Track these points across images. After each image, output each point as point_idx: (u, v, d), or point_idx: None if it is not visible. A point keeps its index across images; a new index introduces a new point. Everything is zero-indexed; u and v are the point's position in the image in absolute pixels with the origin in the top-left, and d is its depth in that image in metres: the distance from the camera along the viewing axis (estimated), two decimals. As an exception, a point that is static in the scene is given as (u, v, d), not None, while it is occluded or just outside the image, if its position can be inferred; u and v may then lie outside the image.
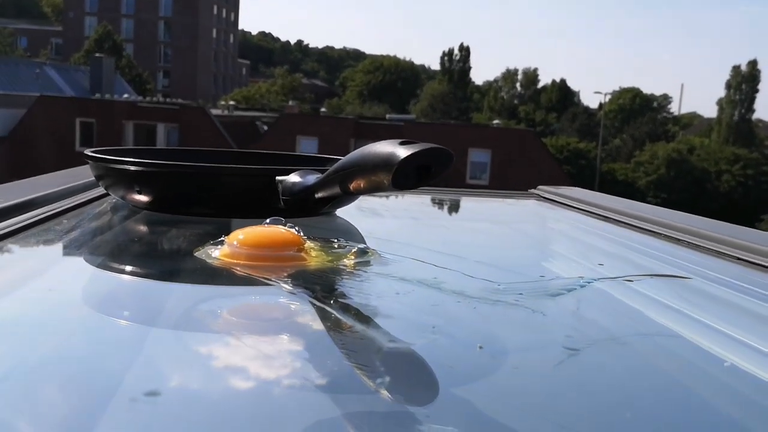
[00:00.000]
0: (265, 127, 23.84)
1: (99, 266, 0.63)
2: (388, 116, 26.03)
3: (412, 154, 0.54)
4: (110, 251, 0.68)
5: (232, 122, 23.57)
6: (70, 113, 20.24)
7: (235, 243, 0.58)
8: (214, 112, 24.85)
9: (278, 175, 0.73)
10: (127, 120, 20.75)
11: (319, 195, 0.68)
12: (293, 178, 0.71)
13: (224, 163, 0.88)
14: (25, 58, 34.24)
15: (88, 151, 0.82)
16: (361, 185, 0.62)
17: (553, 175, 18.85)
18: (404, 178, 0.55)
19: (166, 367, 0.40)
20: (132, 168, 0.76)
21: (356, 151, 0.62)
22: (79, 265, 0.63)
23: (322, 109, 34.71)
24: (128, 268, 0.63)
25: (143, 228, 0.78)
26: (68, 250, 0.66)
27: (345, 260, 0.59)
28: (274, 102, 40.25)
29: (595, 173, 28.18)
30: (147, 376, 0.38)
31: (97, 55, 28.98)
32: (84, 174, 1.01)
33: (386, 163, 0.55)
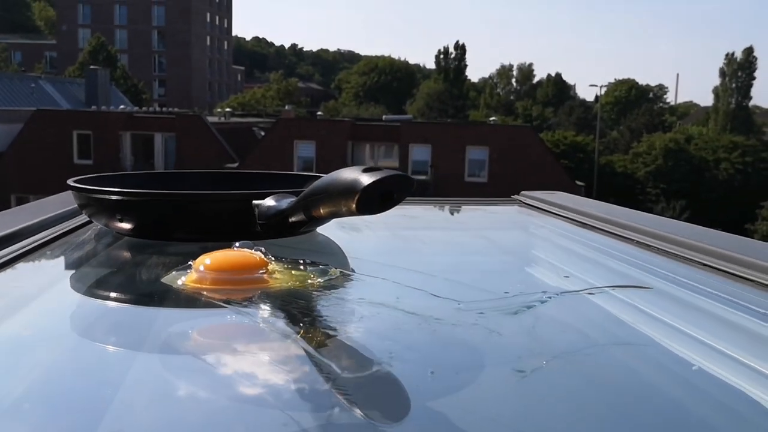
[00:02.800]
0: (262, 133, 23.86)
1: (84, 294, 0.66)
2: (384, 117, 26.03)
3: (373, 182, 0.56)
4: (92, 281, 0.71)
5: (228, 129, 23.59)
6: (66, 126, 20.29)
7: (201, 268, 0.61)
8: (211, 119, 24.87)
9: (255, 200, 0.75)
10: (123, 131, 20.79)
11: (292, 219, 0.70)
12: (268, 202, 0.73)
13: (204, 185, 0.90)
14: (20, 72, 34.27)
15: (70, 181, 0.84)
16: (329, 211, 0.65)
17: (551, 170, 18.86)
18: (368, 203, 0.57)
19: (136, 391, 0.41)
20: (113, 197, 0.78)
21: (324, 177, 0.64)
22: (63, 295, 0.65)
23: (319, 113, 34.73)
24: (107, 295, 0.67)
25: (124, 256, 0.80)
26: (54, 281, 0.69)
27: (308, 281, 0.61)
28: (270, 107, 40.28)
29: (593, 166, 28.18)
30: (124, 400, 0.39)
31: (92, 67, 29.02)
32: (68, 200, 1.03)
33: (350, 190, 0.57)
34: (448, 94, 44.09)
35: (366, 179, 0.56)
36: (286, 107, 34.99)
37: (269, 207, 0.73)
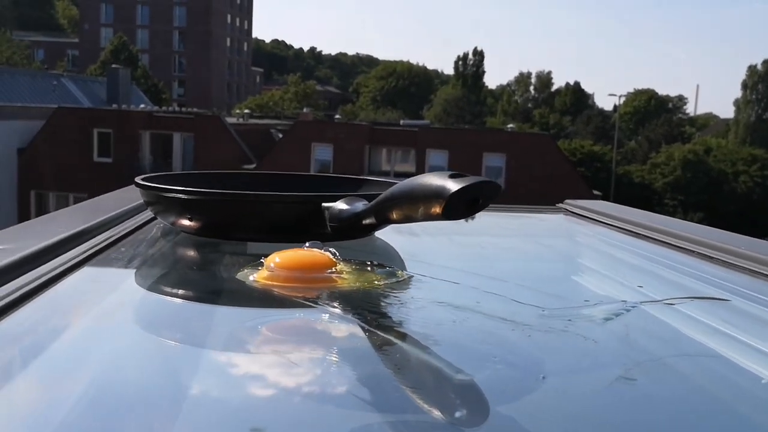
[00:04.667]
0: (280, 135, 23.95)
1: (160, 292, 0.67)
2: (402, 122, 26.06)
3: (462, 188, 0.57)
4: (166, 279, 0.72)
5: (246, 130, 23.70)
6: (87, 124, 20.47)
7: (272, 265, 0.62)
8: (229, 120, 25.00)
9: (324, 202, 0.76)
10: (143, 130, 20.94)
11: (366, 222, 0.71)
12: (340, 205, 0.74)
13: (269, 185, 0.91)
14: (43, 70, 34.66)
15: (138, 179, 0.85)
16: (404, 215, 0.66)
17: (568, 179, 18.78)
18: (455, 208, 0.58)
19: (215, 385, 0.42)
20: (183, 196, 0.79)
21: (405, 181, 0.65)
22: (140, 293, 0.66)
23: (336, 116, 34.81)
24: (183, 293, 0.68)
25: (193, 254, 0.81)
26: (128, 280, 0.70)
27: (376, 282, 0.62)
28: (288, 109, 40.43)
29: (610, 176, 28.03)
30: (203, 395, 0.40)
31: (114, 66, 29.28)
32: (129, 198, 1.05)
33: (437, 195, 0.58)
34: (466, 100, 44.10)
35: (454, 185, 0.57)
36: (304, 110, 35.11)
37: (342, 210, 0.74)
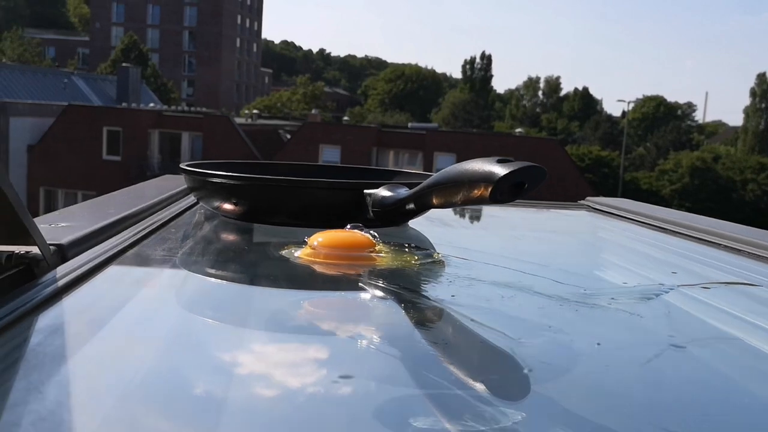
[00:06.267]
0: (288, 136, 24.01)
1: (215, 274, 0.69)
2: (410, 125, 26.08)
3: (509, 173, 0.60)
4: (217, 260, 0.75)
5: (255, 131, 23.77)
6: (97, 122, 20.56)
7: (315, 244, 0.66)
8: (238, 120, 25.06)
9: (366, 189, 0.79)
10: (152, 129, 21.03)
11: (410, 207, 0.74)
12: (383, 192, 0.77)
13: (309, 176, 0.94)
14: (53, 67, 34.84)
15: (183, 165, 0.88)
16: (446, 201, 0.69)
17: (575, 184, 18.76)
18: (501, 192, 0.61)
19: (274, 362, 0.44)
20: (231, 182, 0.82)
21: (449, 168, 0.68)
22: (199, 273, 0.69)
23: (345, 118, 34.88)
24: (236, 272, 0.70)
25: (240, 237, 0.84)
26: (186, 260, 0.72)
27: (414, 262, 0.66)
28: (296, 110, 40.51)
29: (618, 182, 27.99)
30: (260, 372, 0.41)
31: (124, 64, 29.42)
32: (166, 186, 1.08)
33: (485, 179, 0.61)
34: (474, 104, 44.11)
35: (502, 170, 0.60)
36: (313, 111, 35.17)
37: (385, 196, 0.76)
